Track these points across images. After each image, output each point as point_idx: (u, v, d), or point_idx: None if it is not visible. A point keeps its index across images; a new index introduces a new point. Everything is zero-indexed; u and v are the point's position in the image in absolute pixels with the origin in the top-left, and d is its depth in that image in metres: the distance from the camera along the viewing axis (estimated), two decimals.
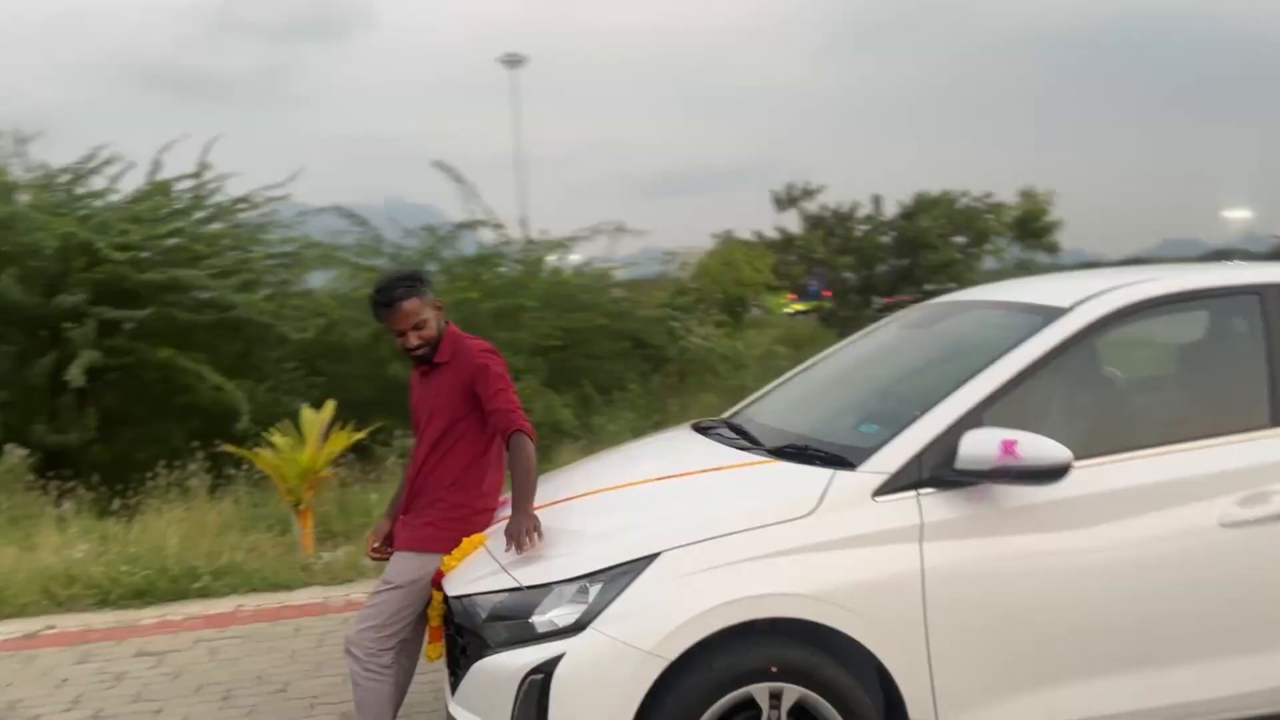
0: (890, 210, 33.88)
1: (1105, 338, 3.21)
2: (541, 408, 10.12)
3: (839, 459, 3.06)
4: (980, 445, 2.84)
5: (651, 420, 10.87)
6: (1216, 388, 3.31)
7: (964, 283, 33.63)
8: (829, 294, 33.81)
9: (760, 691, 2.81)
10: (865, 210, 34.54)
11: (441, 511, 3.39)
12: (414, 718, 3.99)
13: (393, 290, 3.37)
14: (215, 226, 10.83)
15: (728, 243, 33.04)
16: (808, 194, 35.04)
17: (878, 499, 2.93)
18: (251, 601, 5.97)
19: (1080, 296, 3.24)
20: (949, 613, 2.87)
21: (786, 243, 33.61)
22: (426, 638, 3.50)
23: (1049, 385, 3.16)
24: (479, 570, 3.20)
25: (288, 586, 6.22)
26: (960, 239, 32.51)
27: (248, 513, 7.65)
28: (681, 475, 3.33)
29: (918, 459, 2.96)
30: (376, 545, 3.65)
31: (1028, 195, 28.67)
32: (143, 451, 9.11)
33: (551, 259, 12.64)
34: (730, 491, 3.15)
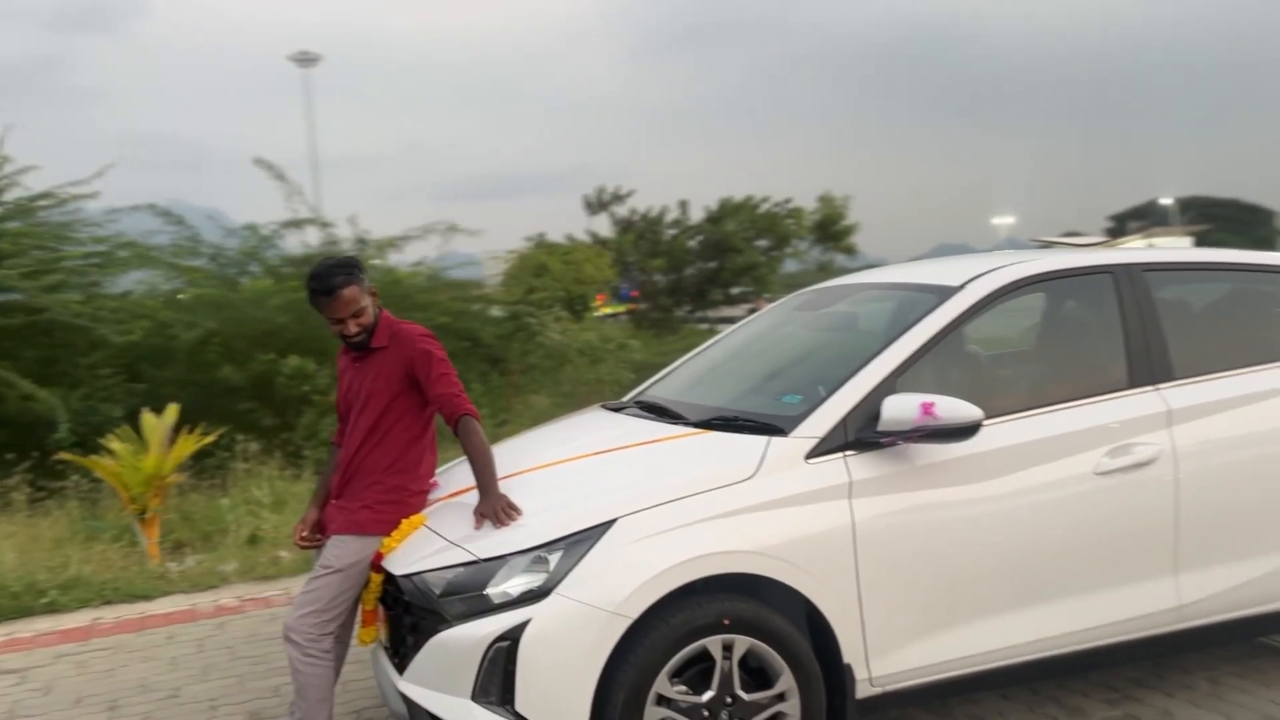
0: (697, 215, 35.00)
1: (992, 309, 3.59)
2: None
3: (770, 427, 3.30)
4: (901, 408, 3.13)
5: (498, 420, 10.89)
6: (1086, 354, 3.76)
7: (768, 284, 35.15)
8: (637, 295, 34.54)
9: (714, 644, 3.00)
10: (673, 215, 35.54)
11: (379, 494, 3.41)
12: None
13: (332, 279, 3.36)
14: (14, 225, 10.09)
15: (540, 246, 33.23)
16: (618, 198, 35.69)
17: (810, 461, 3.19)
18: (109, 613, 5.67)
19: (968, 276, 3.62)
20: (876, 562, 3.15)
21: (598, 246, 34.10)
22: (359, 621, 3.50)
23: (949, 354, 3.51)
24: (426, 548, 3.25)
25: (146, 596, 5.94)
26: (763, 242, 33.96)
27: (82, 525, 7.21)
28: (620, 449, 3.49)
29: (843, 423, 3.24)
30: (305, 534, 3.61)
31: (826, 200, 30.25)
32: None
33: (376, 261, 12.43)
34: (673, 460, 3.33)
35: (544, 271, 12.91)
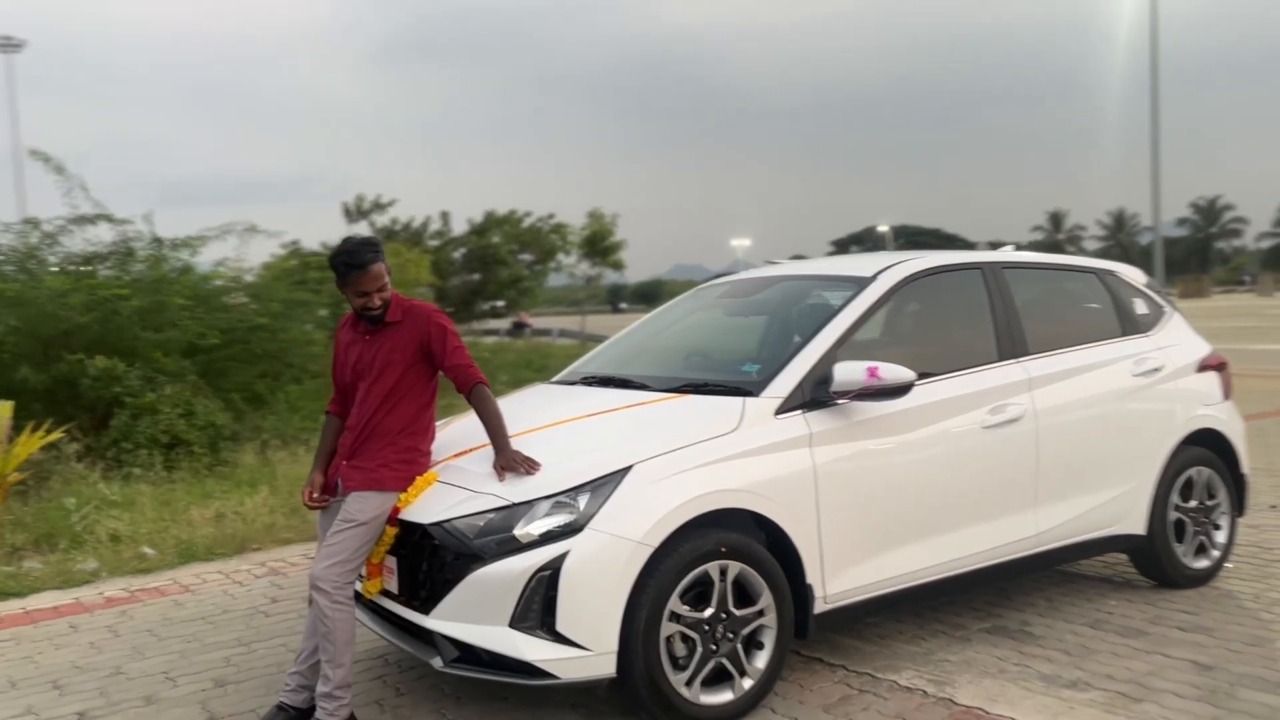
0: (460, 227, 35.14)
1: (898, 296, 4.36)
2: (201, 411, 9.77)
3: (741, 390, 3.91)
4: (850, 371, 3.83)
5: (318, 422, 10.85)
6: (970, 332, 4.60)
7: (533, 297, 35.76)
8: None
9: (713, 568, 3.56)
10: (436, 225, 35.48)
11: (395, 454, 3.72)
12: None
13: (364, 254, 3.64)
14: None
15: (295, 254, 32.21)
16: (379, 207, 35.22)
17: (778, 417, 3.82)
18: None
19: (878, 268, 4.40)
20: (831, 499, 3.82)
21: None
22: (364, 575, 3.79)
23: (871, 330, 4.26)
24: (449, 499, 3.61)
25: (16, 594, 5.73)
26: (527, 256, 34.59)
27: None
28: (607, 411, 3.98)
29: (801, 386, 3.90)
30: (316, 494, 3.84)
31: (595, 216, 31.28)
32: None
33: (167, 262, 12.02)
34: (665, 418, 3.86)
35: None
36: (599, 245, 31.35)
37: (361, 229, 35.25)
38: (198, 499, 7.58)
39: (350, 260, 3.64)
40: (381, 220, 35.20)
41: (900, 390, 3.88)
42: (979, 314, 4.56)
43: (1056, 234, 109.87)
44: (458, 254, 34.06)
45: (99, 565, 6.31)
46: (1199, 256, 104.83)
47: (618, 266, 32.05)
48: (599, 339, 30.88)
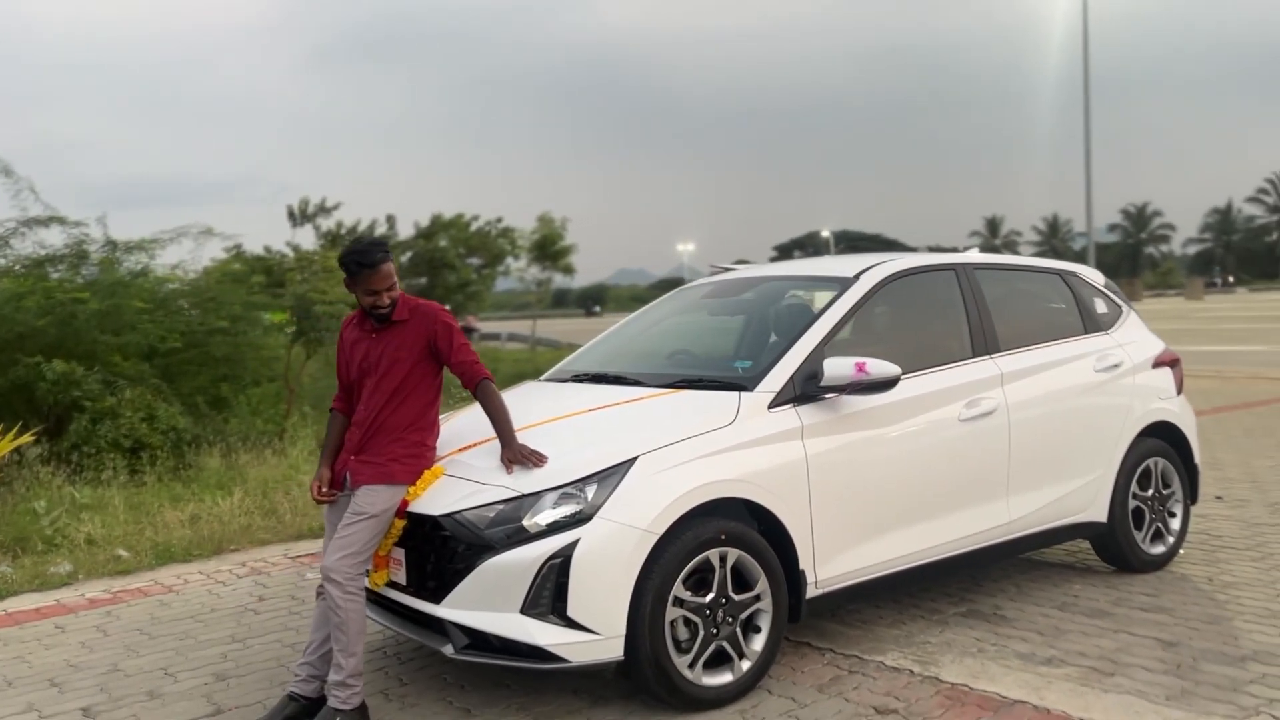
0: (407, 230, 34.94)
1: (879, 295, 4.56)
2: (163, 415, 9.71)
3: (736, 385, 4.07)
4: (839, 367, 4.01)
5: (280, 425, 10.83)
6: (946, 330, 4.81)
7: (480, 301, 35.63)
8: None
9: (714, 555, 3.72)
10: (382, 229, 35.19)
11: (404, 449, 3.82)
12: None
13: (374, 254, 3.74)
14: None
15: (238, 257, 31.81)
16: (324, 210, 34.88)
17: (771, 410, 3.99)
18: None
19: (859, 269, 4.60)
20: (821, 489, 4.00)
21: (304, 259, 33.12)
22: (371, 566, 3.88)
23: (854, 328, 4.45)
24: (457, 492, 3.72)
25: None
26: (475, 260, 34.49)
27: None
28: (605, 407, 4.12)
29: (791, 381, 4.08)
30: (325, 489, 3.92)
31: (545, 221, 31.30)
32: None
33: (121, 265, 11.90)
34: (665, 412, 4.01)
35: (326, 275, 12.80)
36: (549, 249, 31.39)
37: (306, 233, 34.92)
38: (167, 502, 7.56)
39: (362, 259, 3.74)
40: (327, 224, 34.89)
41: (886, 384, 4.07)
42: (954, 313, 4.78)
43: (993, 239, 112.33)
44: (404, 258, 33.85)
45: (74, 568, 6.28)
46: (1130, 261, 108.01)
47: (568, 271, 32.12)
48: (551, 344, 30.82)
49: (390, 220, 35.58)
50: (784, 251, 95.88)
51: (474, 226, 34.70)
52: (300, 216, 35.11)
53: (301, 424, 10.87)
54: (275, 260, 31.89)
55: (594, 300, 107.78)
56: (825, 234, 77.29)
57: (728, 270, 5.63)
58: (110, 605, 5.53)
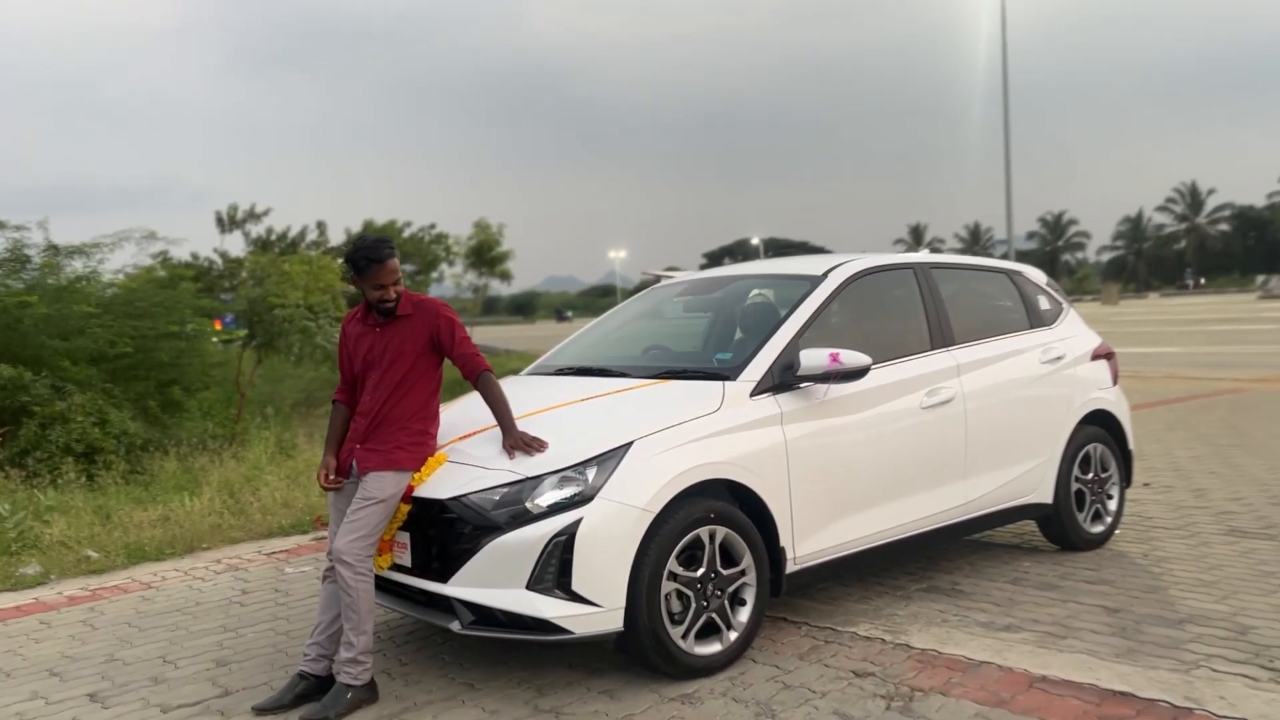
0: (338, 236, 34.72)
1: (846, 292, 4.88)
2: (115, 420, 9.68)
3: (718, 375, 4.34)
4: (815, 357, 4.30)
5: (231, 429, 10.84)
6: (907, 324, 5.14)
7: None
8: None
9: (704, 532, 3.98)
10: (313, 235, 34.96)
11: (409, 437, 4.01)
12: None
13: (381, 250, 3.93)
14: None
15: (164, 263, 31.31)
16: (253, 216, 34.51)
17: (752, 398, 4.27)
18: None
19: (827, 267, 4.91)
20: (799, 471, 4.29)
21: (234, 265, 32.74)
22: (376, 550, 4.06)
23: (825, 322, 4.75)
24: (462, 477, 3.93)
25: None
26: (410, 266, 34.38)
27: None
28: (596, 397, 4.35)
29: (770, 371, 4.36)
30: (333, 477, 4.08)
31: (481, 227, 31.36)
32: None
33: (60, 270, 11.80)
34: (654, 400, 4.26)
35: (286, 280, 12.82)
36: (486, 255, 31.45)
37: (235, 239, 34.52)
38: (129, 504, 7.58)
39: (370, 255, 3.93)
40: (256, 230, 34.52)
41: (858, 374, 4.37)
42: (913, 308, 5.12)
43: (918, 246, 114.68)
44: (337, 264, 33.63)
45: (43, 569, 6.31)
46: (1047, 268, 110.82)
47: (505, 276, 32.22)
48: (490, 350, 30.80)
49: (321, 226, 35.38)
50: (714, 259, 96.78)
51: (407, 233, 34.65)
52: (229, 222, 34.70)
53: (262, 426, 10.90)
54: (203, 266, 31.48)
55: (524, 308, 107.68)
56: (755, 241, 78.27)
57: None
58: (92, 602, 5.59)
